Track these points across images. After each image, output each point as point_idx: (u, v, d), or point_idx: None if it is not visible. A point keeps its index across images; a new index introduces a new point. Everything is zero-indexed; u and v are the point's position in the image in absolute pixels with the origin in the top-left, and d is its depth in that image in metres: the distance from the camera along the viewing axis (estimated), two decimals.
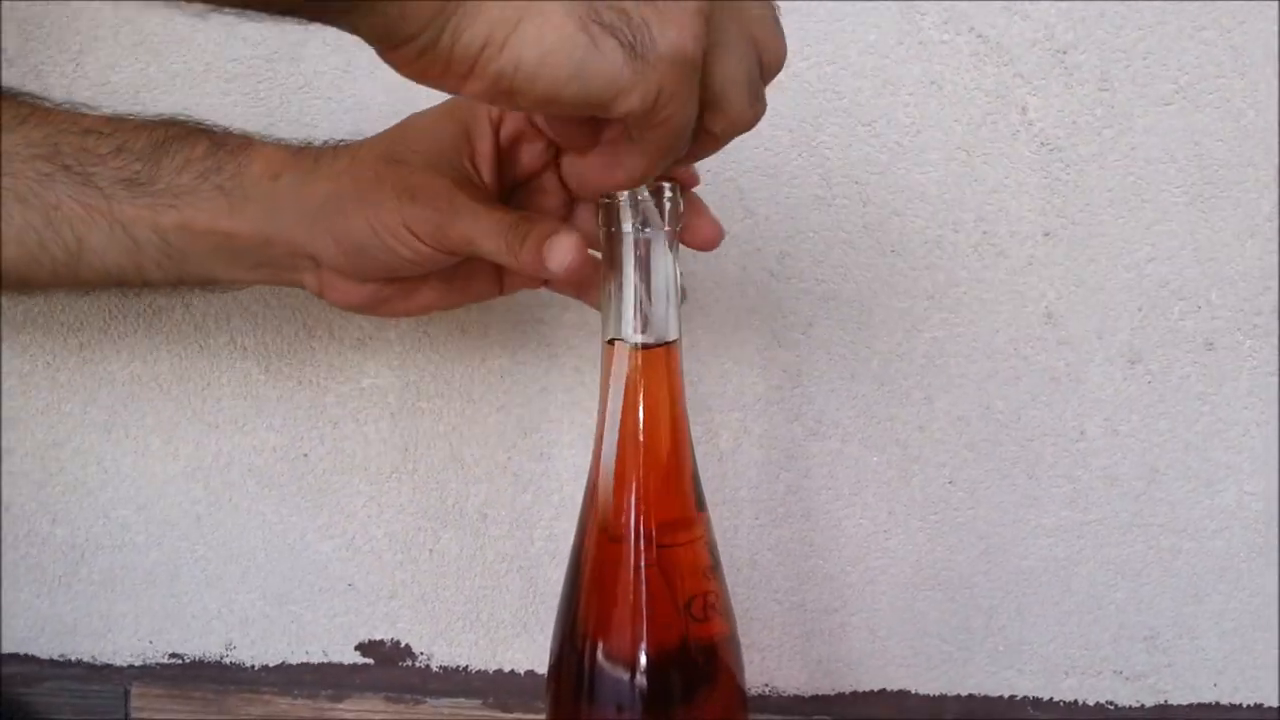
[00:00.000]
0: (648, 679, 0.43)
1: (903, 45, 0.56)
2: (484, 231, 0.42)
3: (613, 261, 0.42)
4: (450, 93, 0.34)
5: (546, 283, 0.48)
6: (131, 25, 0.58)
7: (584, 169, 0.41)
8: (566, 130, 0.41)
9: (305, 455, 0.62)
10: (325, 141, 0.47)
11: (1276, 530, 0.59)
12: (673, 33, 0.33)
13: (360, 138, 0.54)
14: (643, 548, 0.43)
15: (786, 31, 0.38)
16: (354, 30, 0.32)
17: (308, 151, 0.46)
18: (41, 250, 0.46)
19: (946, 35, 0.56)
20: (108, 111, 0.48)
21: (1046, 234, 0.57)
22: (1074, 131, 0.56)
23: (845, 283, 0.58)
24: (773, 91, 0.56)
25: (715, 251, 0.45)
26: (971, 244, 0.57)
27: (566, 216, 0.46)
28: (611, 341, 0.43)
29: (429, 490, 0.62)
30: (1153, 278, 0.57)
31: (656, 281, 0.42)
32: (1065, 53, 0.56)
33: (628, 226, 0.41)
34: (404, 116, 0.58)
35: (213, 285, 0.48)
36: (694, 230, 0.43)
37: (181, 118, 0.47)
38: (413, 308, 0.47)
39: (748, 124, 0.38)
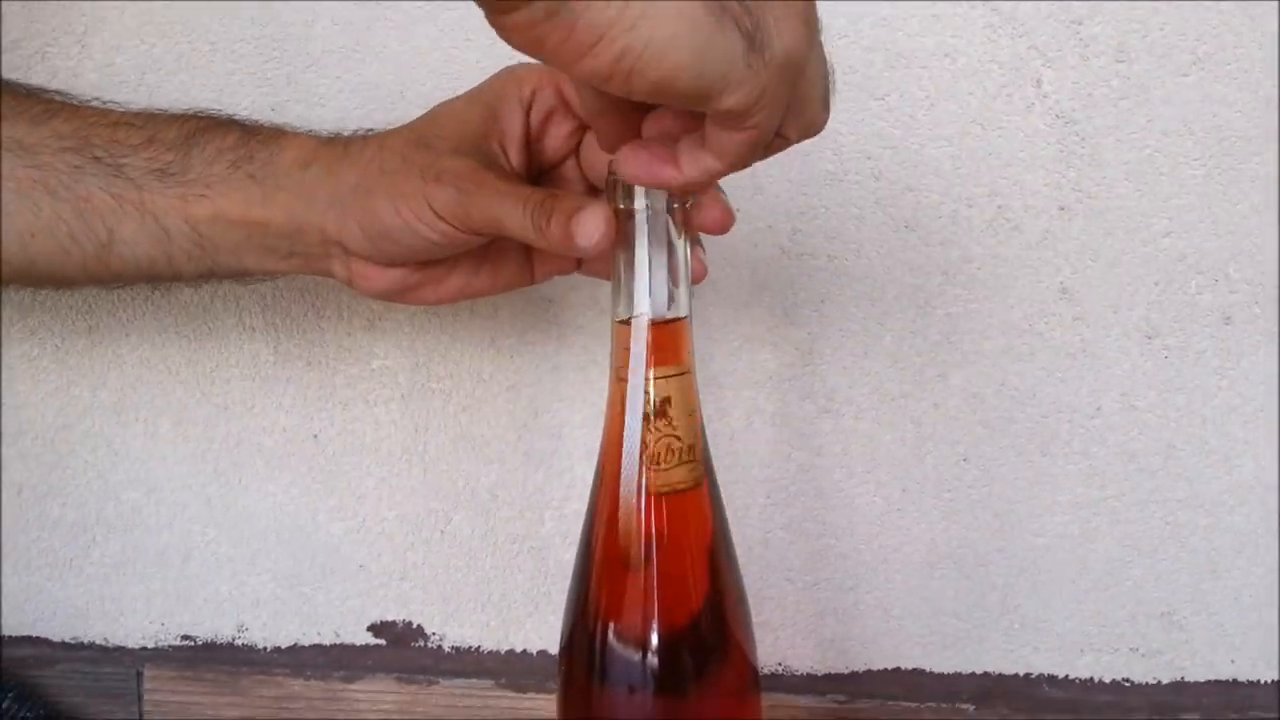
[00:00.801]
0: (659, 656, 0.43)
1: (915, 18, 0.55)
2: (509, 209, 0.41)
3: (623, 239, 0.42)
4: (558, 66, 0.32)
5: (579, 265, 0.47)
6: (137, 6, 0.58)
7: (638, 164, 0.39)
8: (612, 124, 0.39)
9: (315, 436, 0.62)
10: (355, 130, 0.47)
11: None
12: (788, 34, 0.32)
13: (369, 118, 0.54)
14: (654, 524, 0.43)
15: None
16: None
17: (338, 140, 0.46)
18: (72, 243, 0.46)
19: (960, 7, 0.55)
20: (135, 107, 0.48)
21: (1062, 208, 0.56)
22: (1090, 104, 0.55)
23: (858, 259, 0.58)
24: None
25: None
26: (986, 219, 0.57)
27: None
28: (625, 321, 0.42)
29: (440, 471, 0.61)
30: (1170, 252, 0.57)
31: (668, 257, 0.42)
32: (1081, 23, 0.55)
33: (640, 203, 0.41)
34: (411, 96, 0.58)
35: (244, 276, 0.48)
36: (705, 213, 0.43)
37: (212, 110, 0.48)
38: (442, 295, 0.47)
39: (819, 129, 0.37)
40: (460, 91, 0.46)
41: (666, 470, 0.42)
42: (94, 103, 0.48)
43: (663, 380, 0.41)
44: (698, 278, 0.44)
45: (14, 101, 0.47)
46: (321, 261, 0.46)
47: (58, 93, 0.48)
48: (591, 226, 0.40)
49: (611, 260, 0.43)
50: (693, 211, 0.43)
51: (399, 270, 0.46)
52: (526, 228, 0.41)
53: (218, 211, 0.45)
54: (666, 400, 0.42)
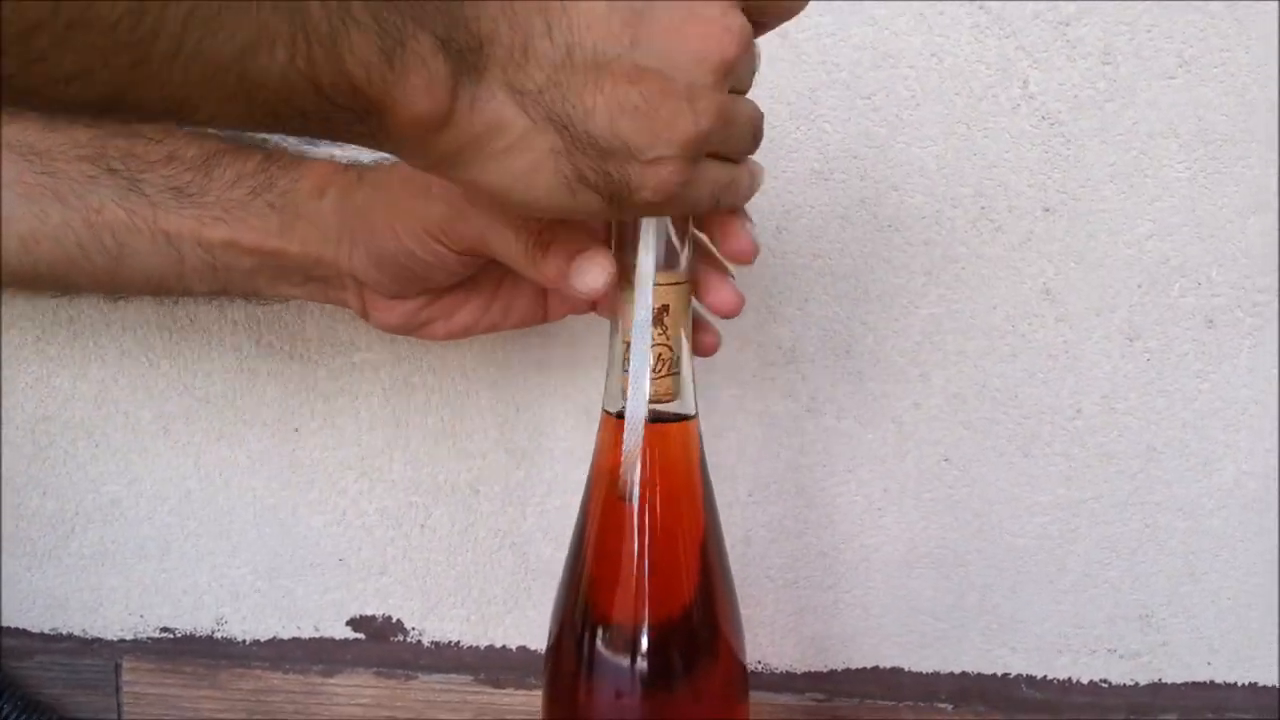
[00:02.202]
0: (648, 655, 0.43)
1: (903, 17, 0.55)
2: (499, 232, 0.40)
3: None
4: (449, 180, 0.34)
5: (594, 306, 0.47)
6: None
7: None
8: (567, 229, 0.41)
9: (296, 430, 0.61)
10: (374, 161, 0.47)
11: (1274, 509, 0.58)
12: (650, 187, 0.34)
13: None
14: (648, 520, 0.43)
15: None
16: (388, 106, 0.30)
17: (353, 168, 0.46)
18: (80, 253, 0.45)
19: (947, 7, 0.55)
20: None
21: (1046, 209, 0.56)
22: (1075, 105, 0.55)
23: (842, 258, 0.58)
24: (771, 64, 0.55)
25: None
26: (970, 219, 0.57)
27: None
28: (617, 415, 0.42)
29: (421, 465, 0.61)
30: (1153, 254, 0.57)
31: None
32: (1068, 25, 0.55)
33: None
34: None
35: (257, 297, 0.48)
36: (714, 296, 0.43)
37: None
38: (453, 330, 0.47)
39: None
40: None
41: (656, 380, 0.42)
42: None
43: (663, 288, 0.41)
44: (710, 350, 0.45)
45: None
46: (338, 292, 0.46)
47: None
48: (595, 273, 0.39)
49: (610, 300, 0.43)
50: (702, 291, 0.43)
51: (410, 304, 0.45)
52: (517, 254, 0.40)
53: (233, 238, 0.45)
54: (664, 308, 0.41)
